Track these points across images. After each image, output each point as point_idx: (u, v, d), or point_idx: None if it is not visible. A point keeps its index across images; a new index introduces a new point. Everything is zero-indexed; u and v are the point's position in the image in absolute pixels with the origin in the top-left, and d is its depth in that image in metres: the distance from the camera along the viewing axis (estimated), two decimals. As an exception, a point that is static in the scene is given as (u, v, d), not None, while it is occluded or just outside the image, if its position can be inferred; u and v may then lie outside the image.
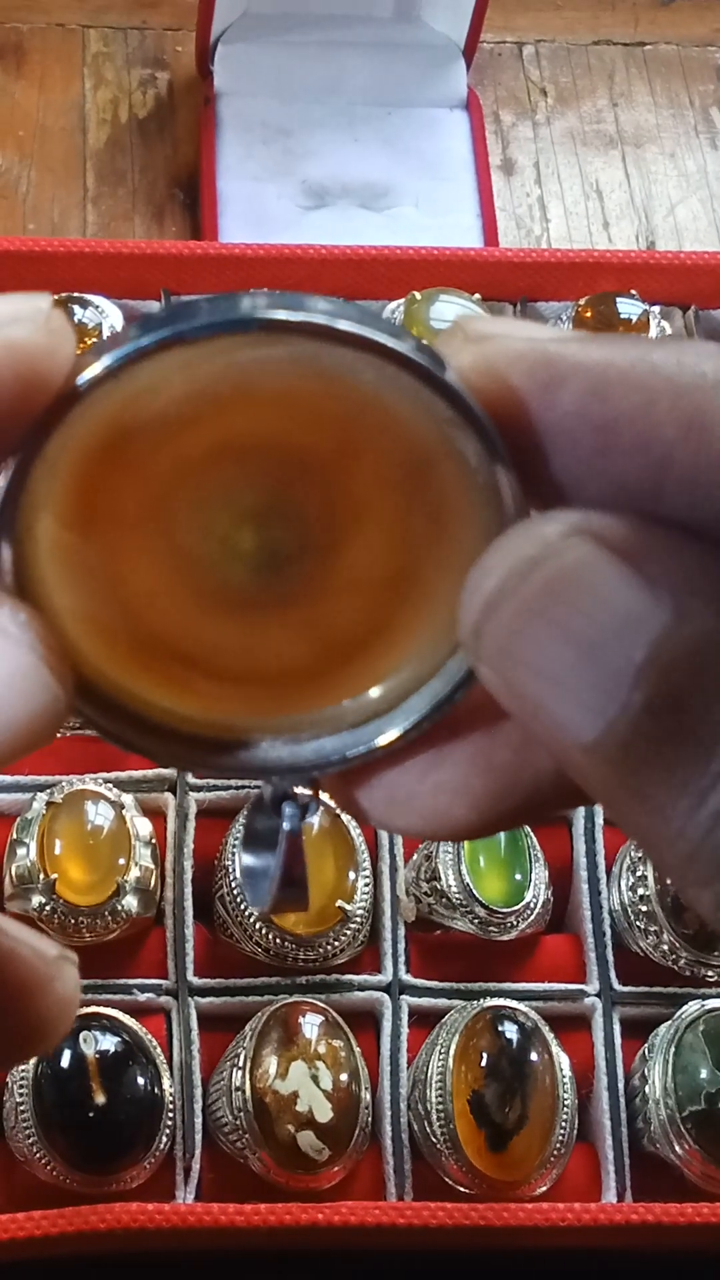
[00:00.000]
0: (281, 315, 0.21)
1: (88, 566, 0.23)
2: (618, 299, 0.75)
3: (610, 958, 0.61)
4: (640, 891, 0.60)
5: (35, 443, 0.22)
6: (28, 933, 0.24)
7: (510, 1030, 0.57)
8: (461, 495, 0.22)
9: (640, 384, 0.21)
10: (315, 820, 0.26)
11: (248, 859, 0.26)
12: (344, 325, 0.21)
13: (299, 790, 0.24)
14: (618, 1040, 0.60)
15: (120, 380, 0.22)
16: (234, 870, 0.60)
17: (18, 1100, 0.55)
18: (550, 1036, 0.57)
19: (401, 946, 0.61)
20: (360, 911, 0.59)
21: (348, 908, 0.59)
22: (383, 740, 0.23)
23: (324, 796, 0.24)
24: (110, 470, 0.22)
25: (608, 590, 0.20)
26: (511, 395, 0.21)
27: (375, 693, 0.23)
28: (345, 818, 0.60)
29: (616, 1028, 0.60)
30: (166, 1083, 0.56)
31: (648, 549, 0.20)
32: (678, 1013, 0.59)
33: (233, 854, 0.60)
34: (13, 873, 0.59)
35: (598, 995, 0.60)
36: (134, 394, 0.22)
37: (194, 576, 0.23)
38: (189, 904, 0.60)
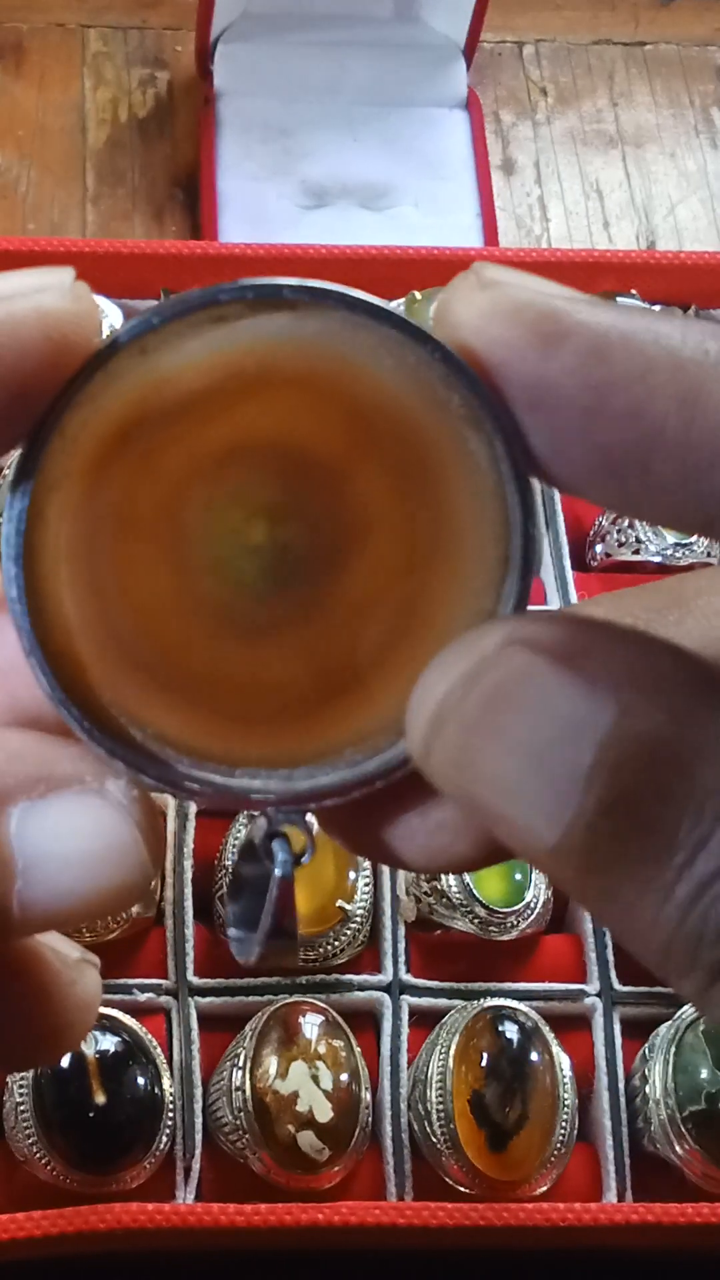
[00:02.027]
0: (306, 284, 0.22)
1: (93, 580, 0.22)
2: (618, 299, 0.75)
3: (610, 957, 0.61)
4: (640, 891, 0.60)
5: (44, 443, 0.22)
6: (50, 935, 0.25)
7: (510, 1030, 0.57)
8: (470, 510, 0.22)
9: (641, 351, 0.21)
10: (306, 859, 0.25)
11: (234, 908, 0.25)
12: (367, 299, 0.22)
13: (291, 830, 0.23)
14: (618, 1040, 0.60)
15: (142, 353, 0.22)
16: (234, 870, 0.60)
17: (18, 1100, 0.55)
18: (550, 1036, 0.57)
19: (402, 946, 0.61)
20: (360, 911, 0.59)
21: (348, 907, 0.59)
22: (381, 776, 0.23)
23: (315, 830, 0.23)
24: (120, 469, 0.22)
25: (548, 697, 0.20)
26: (511, 342, 0.21)
27: (375, 727, 0.23)
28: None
29: (617, 1028, 0.60)
30: (166, 1083, 0.56)
31: (585, 648, 0.20)
32: (678, 1013, 0.59)
33: (232, 854, 0.60)
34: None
35: (598, 995, 0.60)
36: (155, 372, 0.22)
37: (200, 595, 0.22)
38: (189, 904, 0.60)
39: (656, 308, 0.75)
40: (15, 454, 0.22)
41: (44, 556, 0.22)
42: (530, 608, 0.22)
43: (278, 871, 0.23)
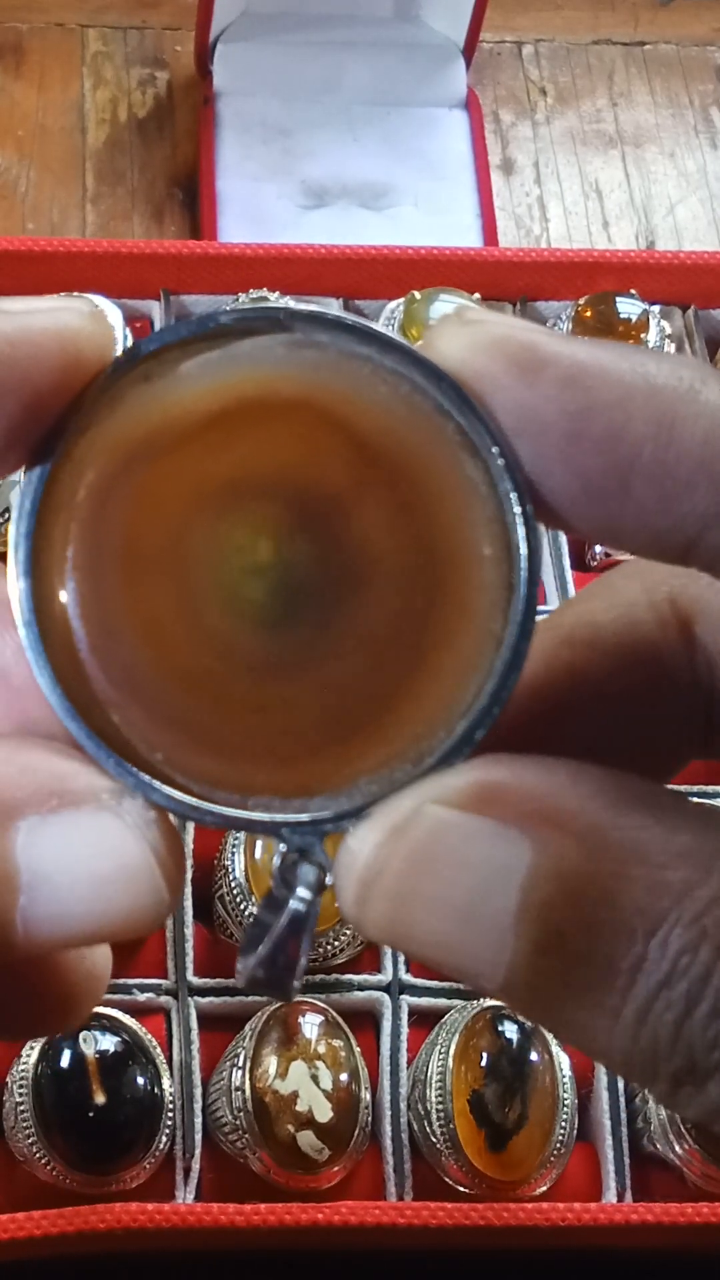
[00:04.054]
0: (304, 310, 0.22)
1: (101, 606, 0.22)
2: (617, 299, 0.74)
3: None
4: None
5: (51, 468, 0.22)
6: None
7: (510, 1030, 0.57)
8: (472, 534, 0.22)
9: (618, 378, 0.21)
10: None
11: (259, 920, 0.23)
12: (365, 325, 0.22)
13: (313, 863, 0.22)
14: (618, 1040, 0.60)
15: (146, 380, 0.22)
16: (234, 870, 0.60)
17: (18, 1100, 0.55)
18: (550, 1036, 0.57)
19: (401, 946, 0.61)
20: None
21: (347, 908, 0.59)
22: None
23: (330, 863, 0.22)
24: (124, 498, 0.22)
25: (463, 851, 0.20)
26: (494, 373, 0.22)
27: (388, 755, 0.22)
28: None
29: (616, 1027, 0.60)
30: (166, 1083, 0.56)
31: (496, 793, 0.21)
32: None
33: (232, 854, 0.60)
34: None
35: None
36: (157, 401, 0.22)
37: (206, 626, 0.22)
38: (189, 904, 0.60)
39: (656, 308, 0.75)
40: (20, 476, 0.22)
41: (51, 578, 0.22)
42: (540, 609, 0.22)
43: (293, 904, 0.22)
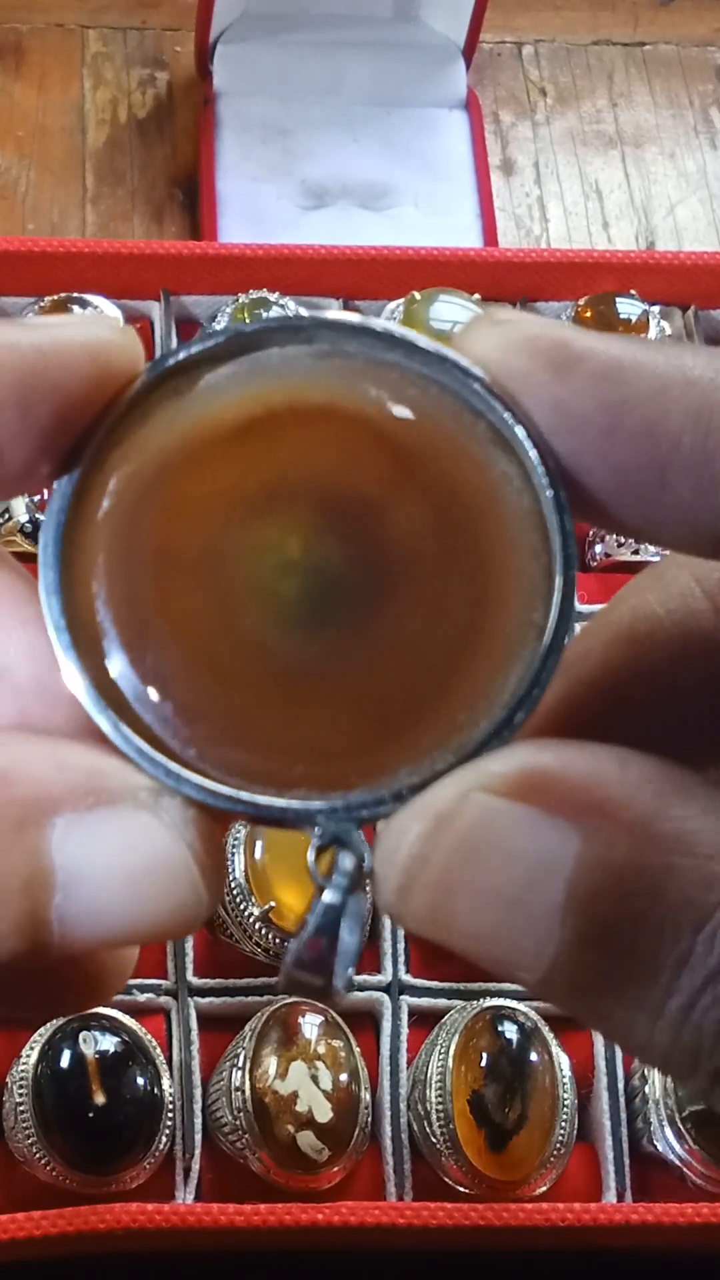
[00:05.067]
0: (327, 317, 0.22)
1: (131, 607, 0.22)
2: (617, 299, 0.75)
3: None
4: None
5: (82, 477, 0.22)
6: None
7: (510, 1030, 0.57)
8: (508, 526, 0.22)
9: (652, 371, 0.21)
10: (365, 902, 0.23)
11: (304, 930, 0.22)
12: (390, 328, 0.22)
13: (350, 850, 0.22)
14: (618, 1040, 0.60)
15: (174, 389, 0.22)
16: (234, 870, 0.60)
17: (18, 1100, 0.55)
18: (550, 1036, 0.57)
19: (401, 946, 0.61)
20: (364, 926, 0.59)
21: (347, 908, 0.59)
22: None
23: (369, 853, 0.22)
24: (156, 507, 0.22)
25: (511, 842, 0.20)
26: (528, 370, 0.22)
27: (429, 746, 0.22)
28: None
29: (616, 1028, 0.60)
30: (166, 1083, 0.56)
31: (542, 781, 0.20)
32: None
33: (232, 854, 0.60)
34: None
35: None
36: (187, 413, 0.22)
37: (243, 629, 0.22)
38: (189, 904, 0.60)
39: (656, 308, 0.75)
40: (54, 488, 0.23)
41: (81, 580, 0.22)
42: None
43: (326, 896, 0.22)
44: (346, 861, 0.22)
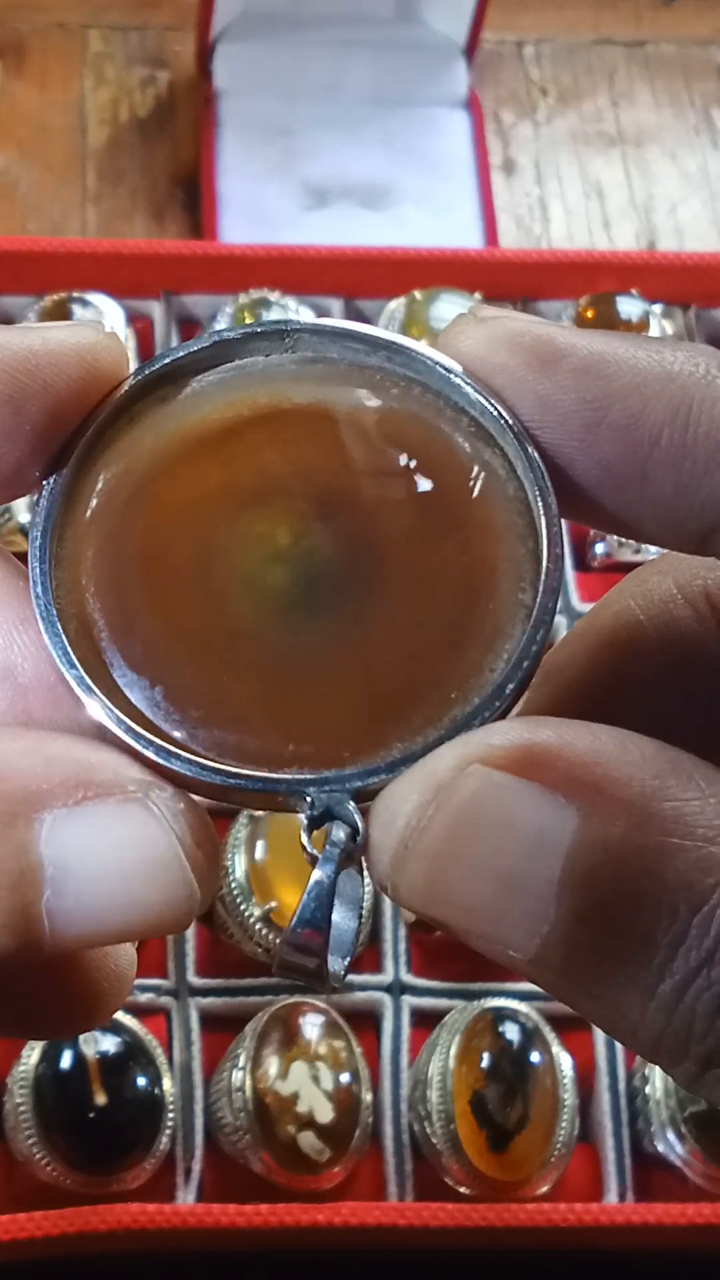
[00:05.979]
0: (310, 323, 0.23)
1: (120, 597, 0.23)
2: (618, 298, 0.75)
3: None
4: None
5: (73, 471, 0.23)
6: None
7: (511, 1031, 0.57)
8: (494, 513, 0.23)
9: (634, 367, 0.22)
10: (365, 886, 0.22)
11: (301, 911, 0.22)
12: (372, 331, 0.23)
13: (343, 822, 0.21)
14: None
15: (160, 393, 0.23)
16: (234, 871, 0.60)
17: (18, 1101, 0.55)
18: (551, 1037, 0.57)
19: (402, 947, 0.61)
20: (361, 911, 0.59)
21: (348, 908, 0.59)
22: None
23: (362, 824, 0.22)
24: (144, 503, 0.23)
25: (509, 815, 0.20)
26: (512, 366, 0.22)
27: (421, 722, 0.22)
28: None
29: (617, 1028, 0.60)
30: (167, 1083, 0.56)
31: (542, 757, 0.20)
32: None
33: (233, 855, 0.60)
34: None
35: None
36: (171, 411, 0.23)
37: (235, 621, 0.22)
38: (189, 904, 0.60)
39: (657, 308, 0.75)
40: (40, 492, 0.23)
41: (71, 574, 0.23)
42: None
43: (317, 873, 0.21)
44: (339, 833, 0.21)
